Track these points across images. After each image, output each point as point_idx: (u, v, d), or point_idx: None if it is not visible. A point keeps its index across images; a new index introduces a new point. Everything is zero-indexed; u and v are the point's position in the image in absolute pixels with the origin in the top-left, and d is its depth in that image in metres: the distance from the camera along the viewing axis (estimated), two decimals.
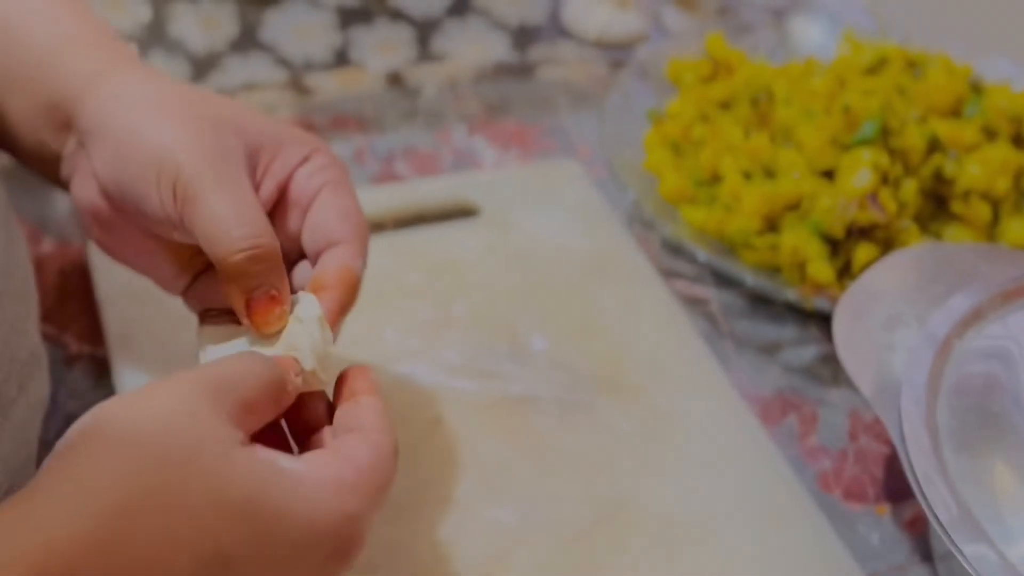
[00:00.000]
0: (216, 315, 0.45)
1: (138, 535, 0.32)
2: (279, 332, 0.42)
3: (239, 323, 0.43)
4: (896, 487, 0.56)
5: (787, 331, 0.64)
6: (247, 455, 0.35)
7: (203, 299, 0.47)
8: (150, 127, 0.42)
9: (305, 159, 0.45)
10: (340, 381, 0.43)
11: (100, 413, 0.35)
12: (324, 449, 0.40)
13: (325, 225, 0.45)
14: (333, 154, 0.47)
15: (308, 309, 0.42)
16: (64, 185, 0.48)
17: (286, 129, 0.46)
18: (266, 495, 0.34)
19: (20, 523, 0.32)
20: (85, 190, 0.46)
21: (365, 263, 0.46)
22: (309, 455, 0.39)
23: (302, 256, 0.47)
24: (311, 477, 0.36)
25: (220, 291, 0.43)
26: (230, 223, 0.41)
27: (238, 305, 0.42)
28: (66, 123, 0.45)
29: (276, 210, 0.46)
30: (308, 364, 0.41)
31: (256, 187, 0.44)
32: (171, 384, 0.36)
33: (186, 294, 0.48)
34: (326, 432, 0.42)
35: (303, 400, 0.42)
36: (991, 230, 0.66)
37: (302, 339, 0.41)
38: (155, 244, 0.46)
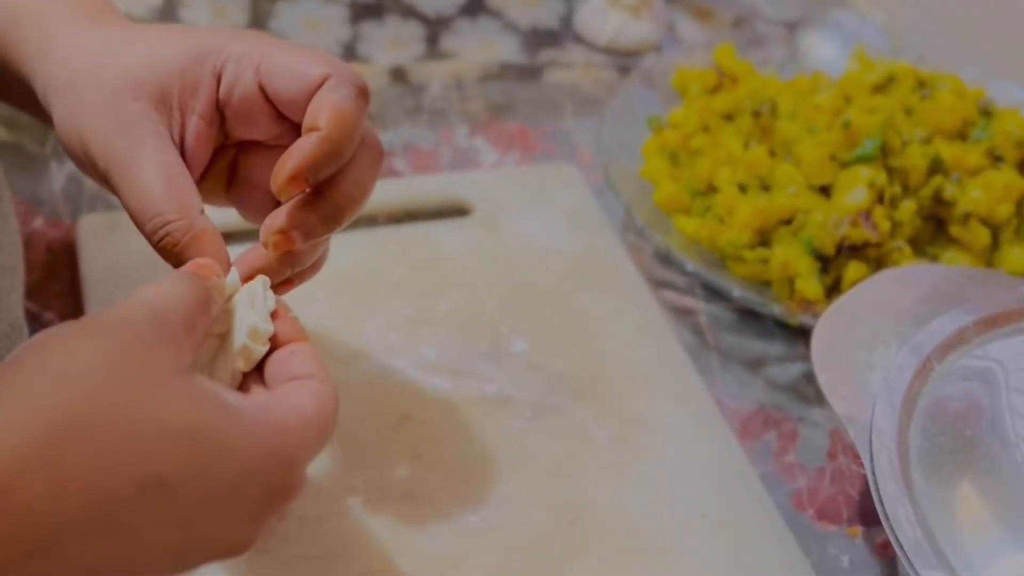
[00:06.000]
0: None
1: (81, 453, 0.31)
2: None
3: None
4: (871, 510, 0.55)
5: (774, 347, 0.63)
6: (193, 384, 0.35)
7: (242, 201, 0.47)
8: (74, 121, 0.43)
9: (219, 71, 0.44)
10: None
11: (49, 332, 0.35)
12: (270, 392, 0.39)
13: (291, 75, 0.43)
14: (242, 38, 0.44)
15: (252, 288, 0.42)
16: None
17: (185, 55, 0.44)
18: (209, 425, 0.34)
19: None
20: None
21: (365, 94, 0.43)
22: (255, 395, 0.39)
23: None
24: (255, 416, 0.36)
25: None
26: (141, 215, 0.41)
27: None
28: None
29: (233, 123, 0.45)
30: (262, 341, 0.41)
31: (181, 129, 0.44)
32: (116, 310, 0.36)
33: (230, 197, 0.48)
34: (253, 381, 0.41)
35: None
36: (990, 256, 0.65)
37: (248, 317, 0.41)
38: None
